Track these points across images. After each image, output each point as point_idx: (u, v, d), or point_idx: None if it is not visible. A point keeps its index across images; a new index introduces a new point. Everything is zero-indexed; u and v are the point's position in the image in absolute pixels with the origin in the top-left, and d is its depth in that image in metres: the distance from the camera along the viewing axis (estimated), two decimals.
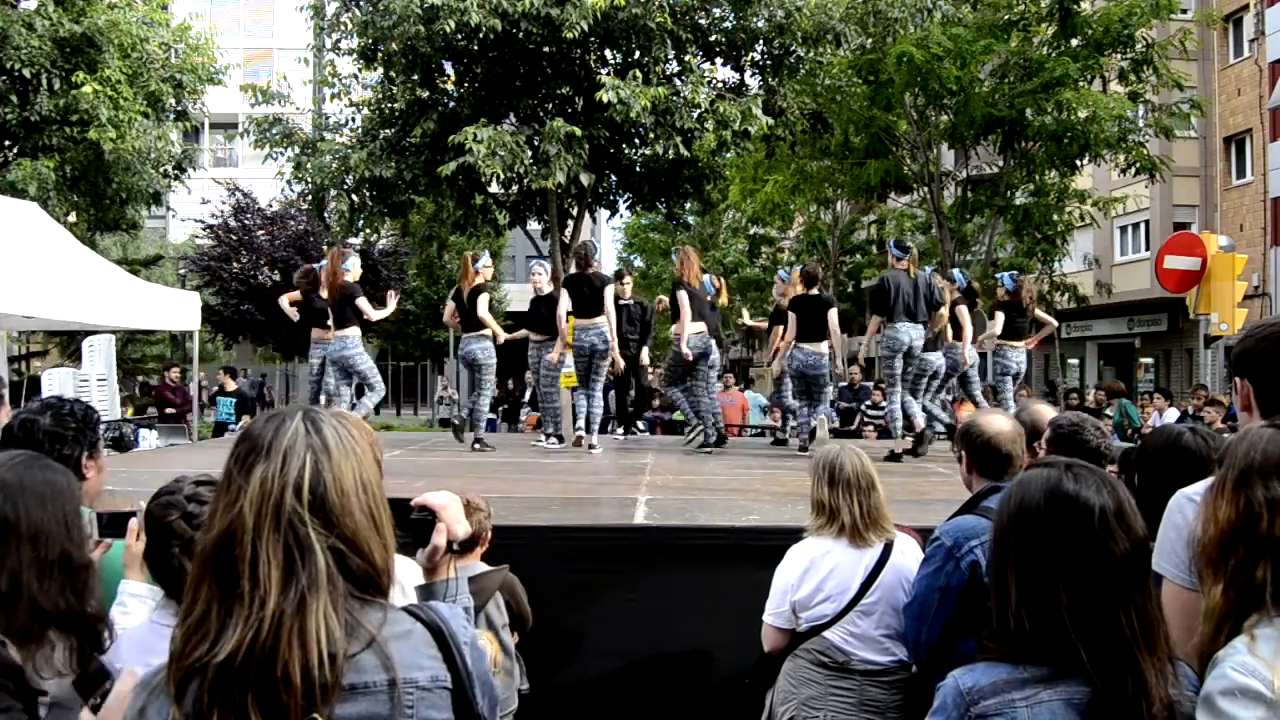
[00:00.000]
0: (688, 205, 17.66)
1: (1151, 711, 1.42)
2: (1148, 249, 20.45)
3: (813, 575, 2.90)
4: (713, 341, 8.20)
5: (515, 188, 13.54)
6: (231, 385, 12.82)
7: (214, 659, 1.13)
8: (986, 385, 9.75)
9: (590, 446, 8.01)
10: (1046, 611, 1.48)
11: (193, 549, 1.82)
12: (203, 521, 1.84)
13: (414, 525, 1.54)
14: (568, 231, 14.88)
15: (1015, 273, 8.95)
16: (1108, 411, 12.90)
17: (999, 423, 2.78)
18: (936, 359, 7.99)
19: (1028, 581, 1.51)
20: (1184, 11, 16.75)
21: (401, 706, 1.19)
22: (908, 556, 2.92)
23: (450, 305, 8.21)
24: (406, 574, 1.85)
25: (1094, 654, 1.45)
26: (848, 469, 2.93)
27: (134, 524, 2.04)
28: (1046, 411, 3.21)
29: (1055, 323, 8.62)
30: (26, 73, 14.30)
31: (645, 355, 10.21)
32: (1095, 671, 1.44)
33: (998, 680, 1.48)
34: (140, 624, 1.94)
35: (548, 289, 8.72)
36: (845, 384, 14.86)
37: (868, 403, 12.60)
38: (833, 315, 7.72)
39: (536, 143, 12.27)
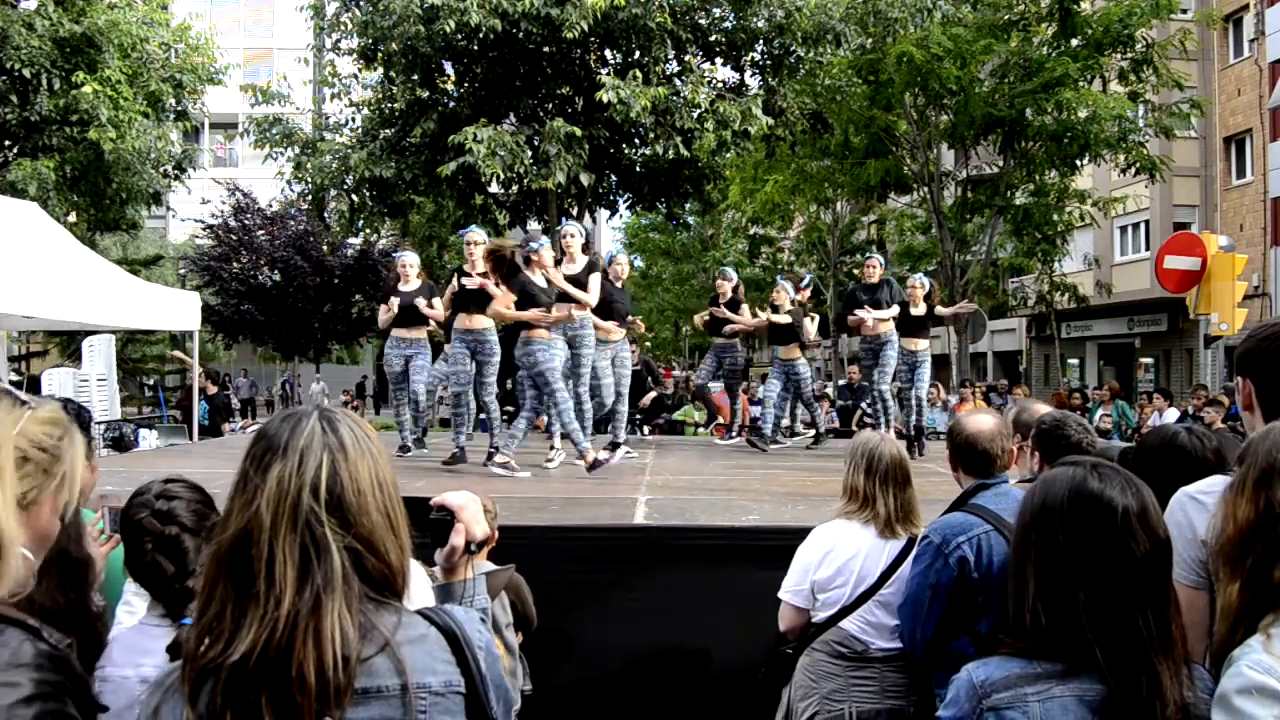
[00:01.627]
0: (688, 205, 17.67)
1: (1165, 714, 1.42)
2: (1148, 249, 20.44)
3: (835, 557, 2.90)
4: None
5: (515, 188, 13.55)
6: (212, 389, 12.81)
7: (228, 659, 1.13)
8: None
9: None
10: (1064, 609, 1.48)
11: (165, 545, 1.83)
12: (174, 517, 1.87)
13: (432, 525, 1.53)
14: None
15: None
16: (1102, 411, 12.94)
17: (979, 421, 2.79)
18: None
19: (1047, 578, 1.52)
20: (1184, 11, 16.75)
21: (414, 711, 1.19)
22: None
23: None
24: (416, 581, 1.85)
25: (1109, 653, 1.45)
26: (886, 460, 2.93)
27: None
28: (1041, 409, 3.22)
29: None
30: (26, 73, 14.30)
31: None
32: (1109, 670, 1.44)
33: (1011, 674, 1.49)
34: (129, 626, 1.94)
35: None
36: (844, 383, 14.90)
37: (865, 401, 12.58)
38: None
39: (536, 143, 12.28)
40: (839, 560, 2.89)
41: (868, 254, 9.09)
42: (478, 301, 6.68)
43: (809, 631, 2.95)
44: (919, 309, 8.17)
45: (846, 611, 2.86)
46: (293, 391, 28.56)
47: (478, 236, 6.91)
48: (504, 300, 6.48)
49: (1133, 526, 1.49)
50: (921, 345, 8.26)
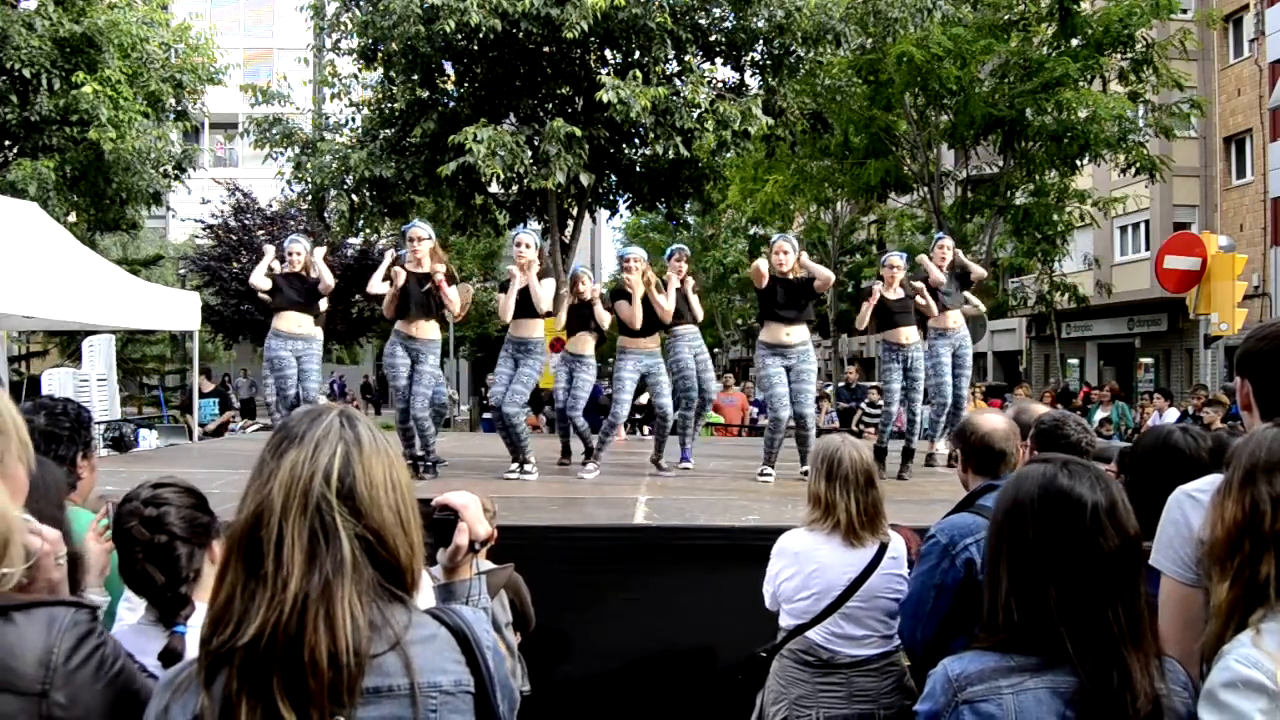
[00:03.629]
0: (688, 205, 17.67)
1: (1136, 705, 1.43)
2: (1148, 249, 20.44)
3: (800, 570, 2.88)
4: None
5: (515, 188, 13.55)
6: (209, 386, 12.81)
7: (239, 641, 1.14)
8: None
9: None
10: (1035, 604, 1.50)
11: (154, 554, 1.83)
12: (164, 524, 1.86)
13: (436, 525, 1.55)
14: (568, 231, 14.90)
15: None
16: (1101, 413, 12.97)
17: (993, 421, 2.77)
18: None
19: (1018, 574, 1.53)
20: (1184, 11, 16.74)
21: (424, 710, 1.20)
22: (900, 563, 2.88)
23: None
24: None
25: (1080, 646, 1.46)
26: (846, 464, 2.85)
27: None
28: (1040, 409, 3.23)
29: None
30: (26, 73, 14.29)
31: None
32: (1080, 663, 1.46)
33: (985, 668, 1.50)
34: (126, 626, 1.94)
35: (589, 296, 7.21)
36: (843, 383, 14.91)
37: (865, 402, 12.62)
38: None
39: (536, 143, 12.28)
40: (804, 573, 2.86)
41: (938, 236, 7.80)
42: (424, 305, 6.30)
43: (780, 638, 2.94)
44: (896, 293, 7.02)
45: (813, 623, 2.83)
46: (341, 391, 28.62)
47: (421, 232, 6.42)
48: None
49: (1101, 522, 1.51)
50: (913, 338, 7.00)
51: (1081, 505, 1.52)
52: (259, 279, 7.10)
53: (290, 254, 7.18)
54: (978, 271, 7.84)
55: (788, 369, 6.47)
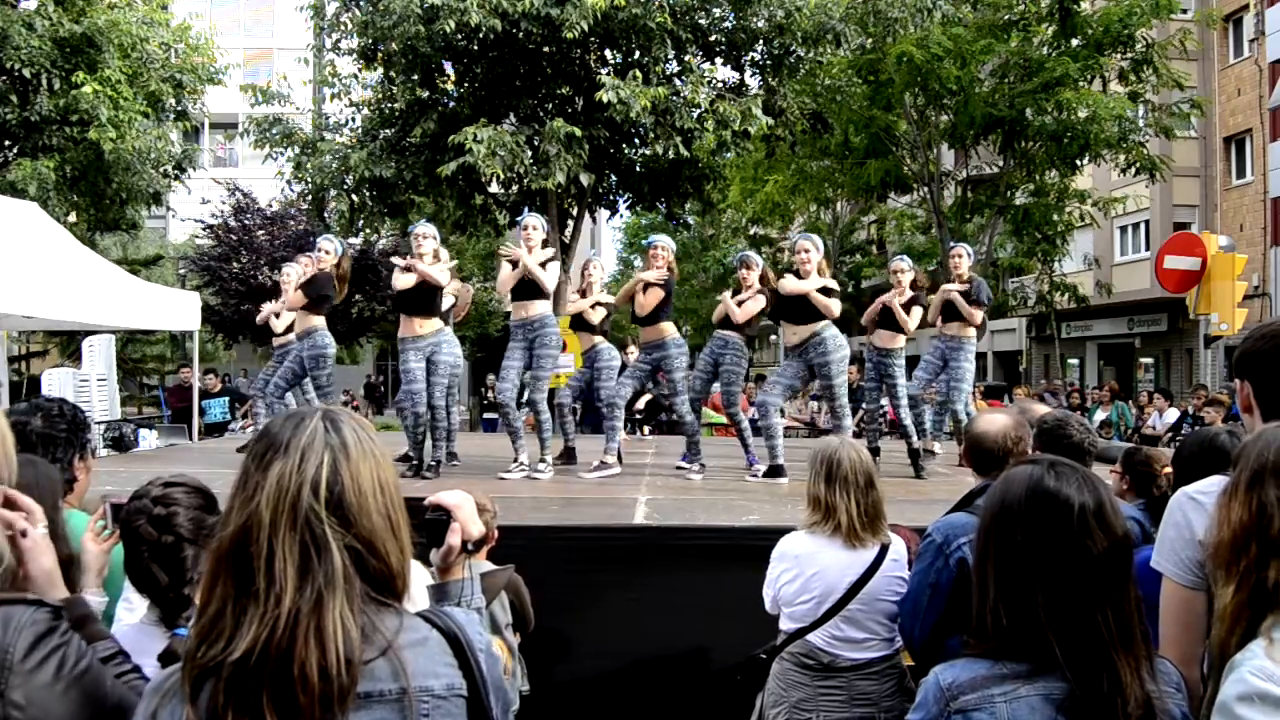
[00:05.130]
0: (687, 205, 17.68)
1: (1127, 709, 1.42)
2: (1148, 249, 20.44)
3: (799, 574, 2.87)
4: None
5: (515, 188, 13.57)
6: (217, 385, 12.78)
7: (229, 657, 1.12)
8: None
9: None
10: (1024, 608, 1.48)
11: (160, 553, 1.82)
12: (172, 524, 1.84)
13: (428, 525, 1.53)
14: (568, 232, 14.89)
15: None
16: (1100, 413, 12.96)
17: (989, 421, 2.76)
18: None
19: (1007, 578, 1.51)
20: (1184, 11, 16.75)
21: (415, 715, 1.18)
22: (900, 565, 2.87)
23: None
24: (417, 584, 1.85)
25: (1069, 652, 1.44)
26: (845, 465, 2.84)
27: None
28: (1041, 410, 3.22)
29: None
30: (26, 73, 14.30)
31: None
32: (1070, 669, 1.44)
33: (977, 676, 1.48)
34: (128, 625, 1.94)
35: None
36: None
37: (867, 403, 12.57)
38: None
39: (536, 143, 12.29)
40: (804, 576, 2.85)
41: (951, 244, 7.76)
42: (422, 302, 6.45)
43: (780, 640, 2.93)
44: (901, 299, 7.24)
45: (813, 626, 2.83)
46: (376, 392, 28.55)
47: (428, 230, 6.62)
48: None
49: (1089, 524, 1.49)
50: (898, 343, 7.21)
51: (1069, 507, 1.50)
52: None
53: (321, 251, 7.57)
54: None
55: (810, 366, 6.51)
